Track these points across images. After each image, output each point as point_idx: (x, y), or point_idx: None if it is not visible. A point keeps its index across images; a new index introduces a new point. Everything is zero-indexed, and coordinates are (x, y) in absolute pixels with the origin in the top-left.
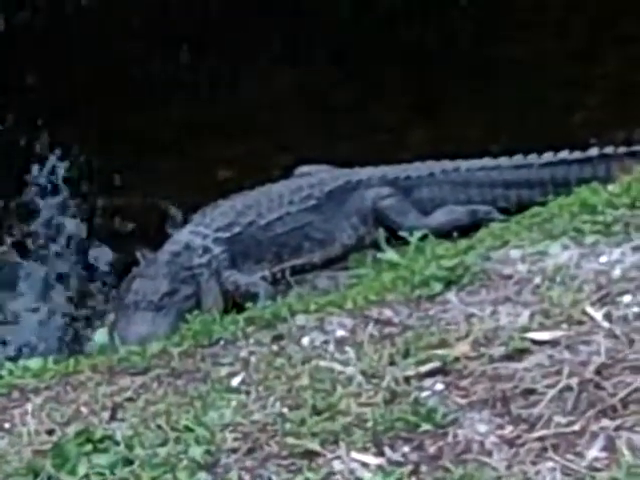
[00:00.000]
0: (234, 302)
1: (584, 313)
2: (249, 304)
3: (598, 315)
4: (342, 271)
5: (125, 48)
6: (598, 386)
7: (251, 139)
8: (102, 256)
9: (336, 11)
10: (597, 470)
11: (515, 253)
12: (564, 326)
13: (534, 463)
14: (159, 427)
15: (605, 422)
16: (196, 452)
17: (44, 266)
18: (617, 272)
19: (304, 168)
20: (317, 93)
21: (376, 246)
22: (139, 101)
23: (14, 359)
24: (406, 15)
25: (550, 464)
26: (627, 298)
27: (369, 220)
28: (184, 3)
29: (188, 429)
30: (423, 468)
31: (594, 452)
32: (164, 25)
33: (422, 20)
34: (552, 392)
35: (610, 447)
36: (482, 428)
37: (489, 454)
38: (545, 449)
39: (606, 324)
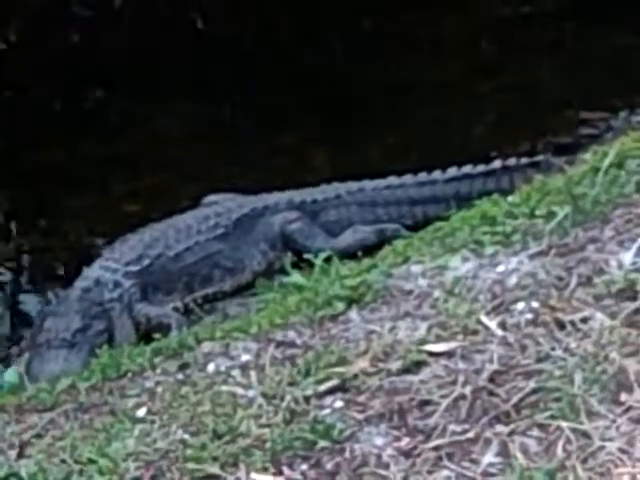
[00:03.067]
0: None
1: (479, 323)
2: (157, 335)
3: (492, 324)
4: (253, 297)
5: (31, 84)
6: (491, 393)
7: (157, 172)
8: (17, 297)
9: (239, 39)
10: (492, 475)
11: (416, 268)
12: (460, 337)
13: (430, 472)
14: (63, 461)
15: (499, 428)
16: None
17: None
18: (513, 280)
19: (211, 197)
20: (221, 122)
21: (285, 271)
22: (45, 138)
23: None
24: (307, 39)
25: (446, 472)
26: (520, 305)
27: (278, 245)
28: (91, 41)
29: (91, 461)
30: None
31: (488, 458)
32: (69, 62)
33: (323, 43)
34: (447, 402)
35: (504, 452)
36: (379, 441)
37: (386, 466)
38: (441, 458)
39: (500, 332)
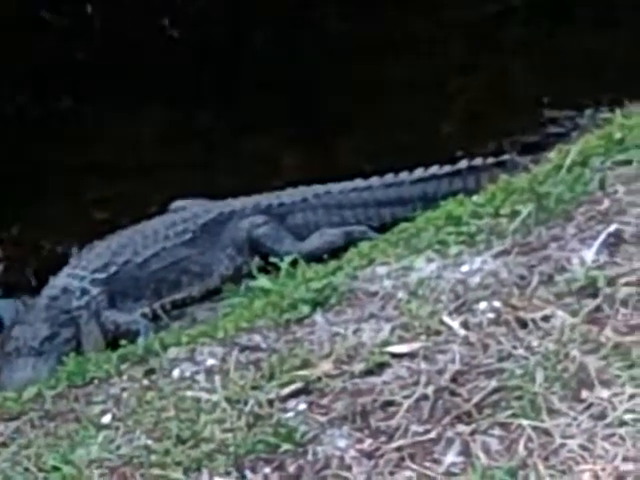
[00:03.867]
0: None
1: (442, 323)
2: (124, 341)
3: (455, 324)
4: (222, 301)
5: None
6: (453, 393)
7: (127, 179)
8: None
9: (209, 45)
10: (453, 475)
11: (381, 270)
12: (422, 337)
13: (392, 473)
14: (27, 470)
15: (460, 427)
16: None
17: None
18: (475, 280)
19: (178, 203)
20: (187, 129)
21: (252, 275)
22: (14, 145)
23: None
24: (275, 41)
25: (408, 473)
26: (483, 305)
27: (245, 249)
28: (61, 48)
29: (55, 468)
30: None
31: (450, 457)
32: (39, 68)
33: (290, 45)
34: (409, 402)
35: (466, 451)
36: (342, 443)
37: (348, 468)
38: (403, 459)
39: (462, 332)
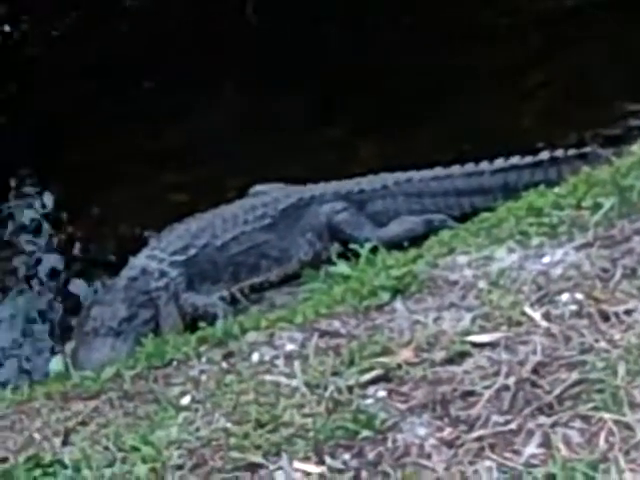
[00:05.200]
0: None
1: (523, 314)
2: (202, 324)
3: (536, 315)
4: (300, 287)
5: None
6: (534, 384)
7: (205, 163)
8: (66, 285)
9: (287, 30)
10: (533, 466)
11: (462, 259)
12: (504, 328)
13: (472, 463)
14: (106, 449)
15: (541, 419)
16: (141, 470)
17: (10, 297)
18: (557, 272)
19: (258, 187)
20: (268, 114)
21: (332, 261)
22: (92, 131)
23: None
24: (354, 31)
25: (487, 463)
26: (565, 297)
27: (324, 235)
28: (138, 35)
29: (135, 449)
30: (363, 474)
31: (531, 449)
32: (117, 53)
33: (369, 34)
34: (490, 392)
35: (546, 443)
36: (421, 431)
37: (428, 456)
38: (483, 449)
39: (544, 323)
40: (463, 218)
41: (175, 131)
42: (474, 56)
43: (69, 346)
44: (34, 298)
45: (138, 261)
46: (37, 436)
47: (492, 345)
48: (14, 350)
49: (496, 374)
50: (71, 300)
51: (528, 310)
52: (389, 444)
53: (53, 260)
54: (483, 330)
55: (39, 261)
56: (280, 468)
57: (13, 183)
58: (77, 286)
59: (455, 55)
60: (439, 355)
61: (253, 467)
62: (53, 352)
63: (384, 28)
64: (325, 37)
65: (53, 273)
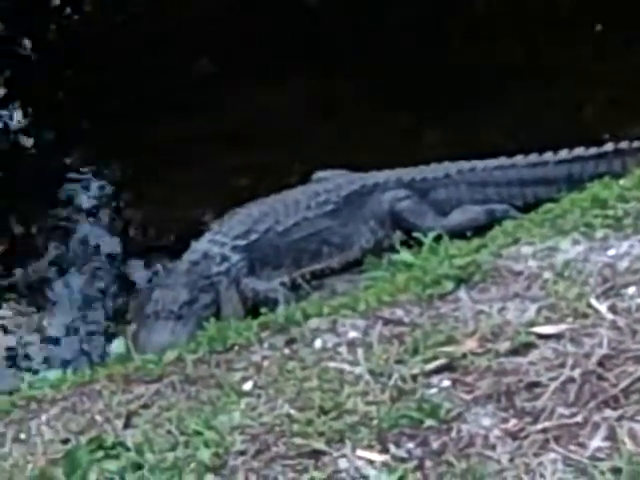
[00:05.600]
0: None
1: (589, 306)
2: (264, 309)
3: (602, 307)
4: (361, 274)
5: (141, 61)
6: (600, 377)
7: (268, 147)
8: (125, 268)
9: (353, 17)
10: (599, 460)
11: (526, 250)
12: (569, 319)
13: (537, 455)
14: (169, 432)
15: (607, 412)
16: (204, 455)
17: (69, 279)
18: (624, 264)
19: (321, 173)
20: (331, 100)
21: (394, 249)
22: (154, 114)
23: (36, 371)
24: (418, 20)
25: (552, 455)
26: (632, 290)
27: (387, 223)
28: (201, 19)
29: (197, 433)
30: (427, 463)
31: (596, 442)
32: (181, 38)
33: (436, 21)
34: (555, 384)
35: (612, 437)
36: (486, 422)
37: (492, 447)
38: (548, 441)
39: (610, 316)
40: (526, 209)
41: (238, 115)
42: (539, 47)
43: (130, 328)
44: (94, 280)
45: (200, 245)
46: (99, 418)
47: (557, 337)
48: (73, 332)
49: (562, 366)
50: (130, 283)
51: (594, 302)
52: (453, 434)
53: (113, 243)
54: (548, 321)
55: (99, 244)
56: (343, 456)
57: (73, 164)
58: (136, 269)
59: (521, 46)
60: (504, 346)
61: (316, 454)
62: (111, 334)
63: (453, 16)
64: (391, 23)
65: (113, 256)
